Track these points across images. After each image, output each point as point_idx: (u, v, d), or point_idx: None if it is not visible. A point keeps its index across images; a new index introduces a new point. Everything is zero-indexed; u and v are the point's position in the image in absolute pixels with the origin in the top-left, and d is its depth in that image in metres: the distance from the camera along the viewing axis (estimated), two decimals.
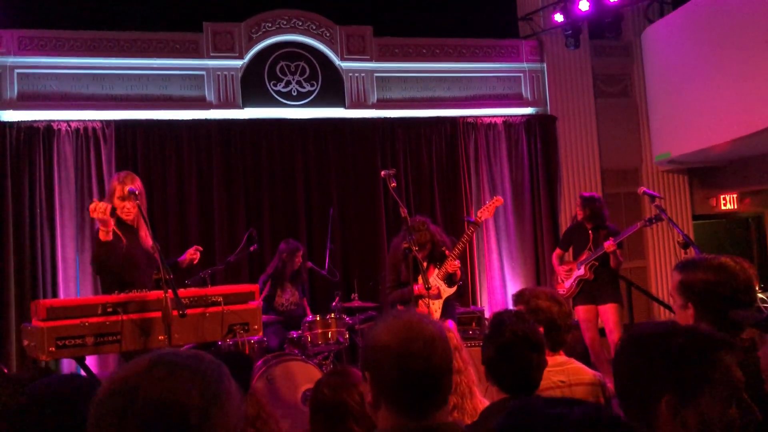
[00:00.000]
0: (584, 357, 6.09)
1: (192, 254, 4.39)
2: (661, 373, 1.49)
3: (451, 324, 4.93)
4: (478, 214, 5.25)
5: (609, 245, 5.63)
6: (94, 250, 3.97)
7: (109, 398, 1.09)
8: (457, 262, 4.89)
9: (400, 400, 1.55)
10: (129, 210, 4.11)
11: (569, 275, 5.92)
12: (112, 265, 3.97)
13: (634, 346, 1.56)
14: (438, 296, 4.90)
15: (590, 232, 5.90)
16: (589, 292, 5.83)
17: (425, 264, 4.93)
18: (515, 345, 2.14)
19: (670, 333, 1.53)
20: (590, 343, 5.85)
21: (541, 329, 2.40)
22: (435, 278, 4.94)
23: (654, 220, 5.61)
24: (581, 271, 5.82)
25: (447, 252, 4.95)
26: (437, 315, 4.89)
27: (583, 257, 5.85)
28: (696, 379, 1.47)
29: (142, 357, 1.14)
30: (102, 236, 3.84)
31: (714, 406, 1.45)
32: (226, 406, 1.12)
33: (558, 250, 6.28)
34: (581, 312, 5.88)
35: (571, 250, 6.13)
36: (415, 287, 4.67)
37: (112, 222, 3.84)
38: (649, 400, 1.49)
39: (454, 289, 4.97)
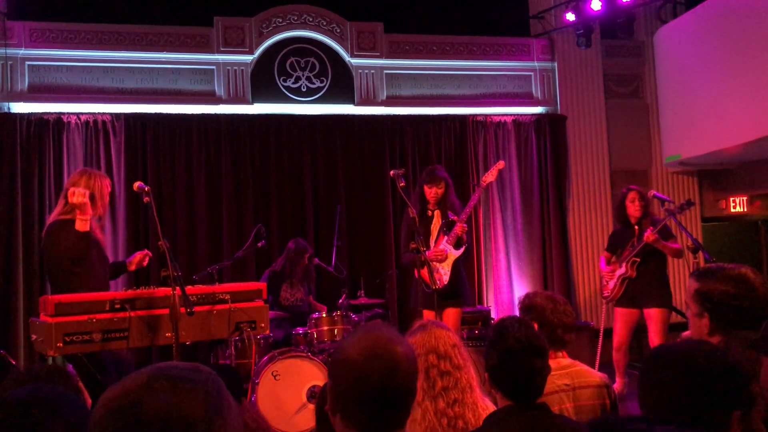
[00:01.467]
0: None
1: (141, 257, 4.25)
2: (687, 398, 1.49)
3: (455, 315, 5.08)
4: (483, 178, 5.37)
5: (648, 235, 5.23)
6: (69, 241, 3.74)
7: (111, 415, 1.06)
8: (464, 226, 5.04)
9: (353, 415, 1.55)
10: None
11: (612, 276, 5.55)
12: (89, 261, 3.82)
13: (660, 367, 1.56)
14: (444, 258, 5.06)
15: (635, 228, 5.49)
16: (631, 293, 5.44)
17: (437, 228, 5.17)
18: (518, 351, 2.14)
19: (700, 356, 1.52)
20: (617, 345, 5.53)
21: (536, 325, 2.41)
22: (444, 244, 5.09)
23: (686, 207, 5.33)
24: (622, 269, 5.44)
25: (456, 218, 5.08)
26: (446, 278, 5.03)
27: (625, 254, 5.48)
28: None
29: (138, 371, 1.12)
30: (79, 226, 3.72)
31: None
32: (228, 417, 1.11)
33: (606, 254, 5.82)
34: (619, 314, 5.54)
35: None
36: (427, 252, 4.86)
37: (90, 212, 3.76)
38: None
39: (462, 251, 5.10)
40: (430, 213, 5.19)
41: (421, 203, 5.17)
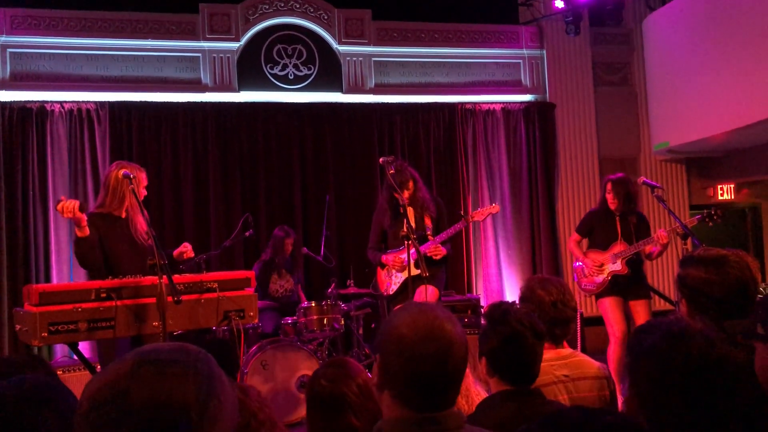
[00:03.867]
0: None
1: (183, 249, 4.20)
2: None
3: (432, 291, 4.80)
4: (472, 214, 5.15)
5: (664, 237, 5.05)
6: (74, 248, 3.89)
7: (98, 407, 1.01)
8: (439, 248, 4.83)
9: (403, 394, 1.53)
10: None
11: (601, 270, 5.26)
12: (94, 262, 3.89)
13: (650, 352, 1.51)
14: (402, 269, 4.86)
15: (618, 218, 5.30)
16: (619, 284, 5.23)
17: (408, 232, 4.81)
18: (520, 335, 2.11)
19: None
20: (622, 336, 5.14)
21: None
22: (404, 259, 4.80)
23: (711, 217, 5.06)
24: (618, 267, 5.20)
25: (429, 235, 4.90)
26: (394, 288, 4.97)
27: (617, 249, 5.22)
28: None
29: (122, 358, 1.06)
30: (78, 233, 3.76)
31: None
32: (222, 396, 1.07)
33: (576, 236, 5.61)
34: (612, 303, 5.24)
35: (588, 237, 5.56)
36: (384, 257, 4.96)
37: (84, 218, 3.72)
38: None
39: (418, 272, 4.63)
40: (402, 210, 4.89)
41: (390, 207, 4.98)
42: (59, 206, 3.65)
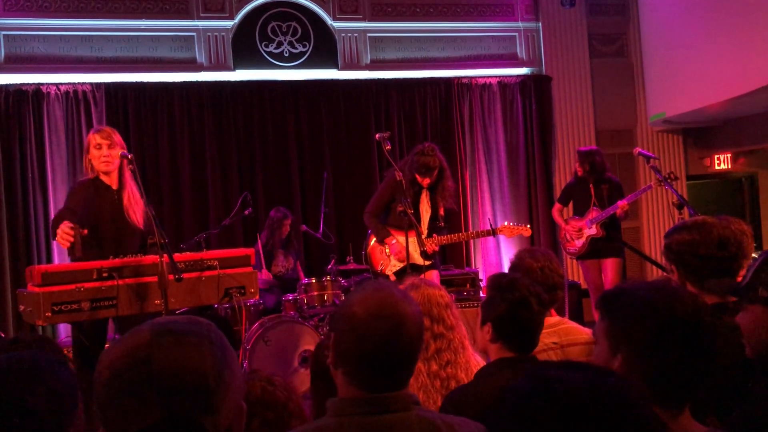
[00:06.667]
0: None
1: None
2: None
3: (435, 277, 4.99)
4: (500, 227, 5.22)
5: (624, 206, 5.66)
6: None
7: (120, 375, 1.05)
8: (436, 247, 4.91)
9: (353, 373, 1.54)
10: (109, 160, 3.91)
11: (580, 234, 5.90)
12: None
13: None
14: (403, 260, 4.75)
15: (591, 186, 5.90)
16: (594, 246, 5.87)
17: (426, 210, 5.01)
18: (528, 301, 2.16)
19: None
20: (595, 293, 5.89)
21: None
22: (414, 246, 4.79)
23: (669, 179, 5.36)
24: (593, 231, 5.82)
25: (435, 234, 4.97)
26: (392, 270, 4.99)
27: (593, 215, 5.84)
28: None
29: (139, 328, 1.10)
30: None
31: None
32: (233, 365, 1.12)
33: (558, 205, 6.27)
34: (590, 266, 5.94)
35: (570, 204, 6.16)
36: (389, 239, 4.94)
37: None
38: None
39: (429, 263, 5.00)
40: (417, 189, 4.96)
41: (412, 185, 4.91)
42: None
